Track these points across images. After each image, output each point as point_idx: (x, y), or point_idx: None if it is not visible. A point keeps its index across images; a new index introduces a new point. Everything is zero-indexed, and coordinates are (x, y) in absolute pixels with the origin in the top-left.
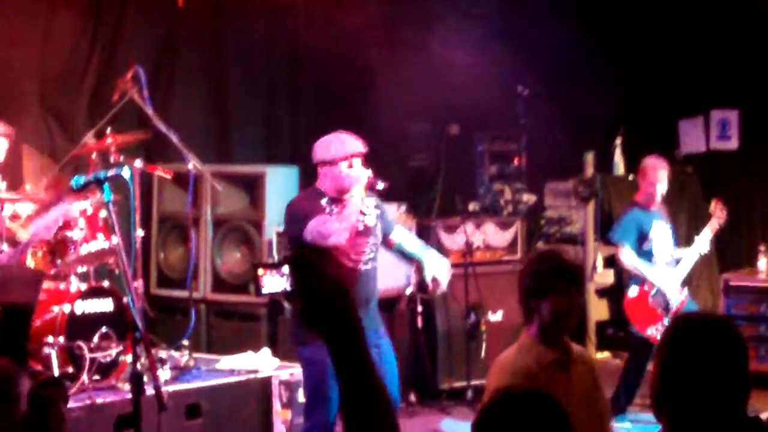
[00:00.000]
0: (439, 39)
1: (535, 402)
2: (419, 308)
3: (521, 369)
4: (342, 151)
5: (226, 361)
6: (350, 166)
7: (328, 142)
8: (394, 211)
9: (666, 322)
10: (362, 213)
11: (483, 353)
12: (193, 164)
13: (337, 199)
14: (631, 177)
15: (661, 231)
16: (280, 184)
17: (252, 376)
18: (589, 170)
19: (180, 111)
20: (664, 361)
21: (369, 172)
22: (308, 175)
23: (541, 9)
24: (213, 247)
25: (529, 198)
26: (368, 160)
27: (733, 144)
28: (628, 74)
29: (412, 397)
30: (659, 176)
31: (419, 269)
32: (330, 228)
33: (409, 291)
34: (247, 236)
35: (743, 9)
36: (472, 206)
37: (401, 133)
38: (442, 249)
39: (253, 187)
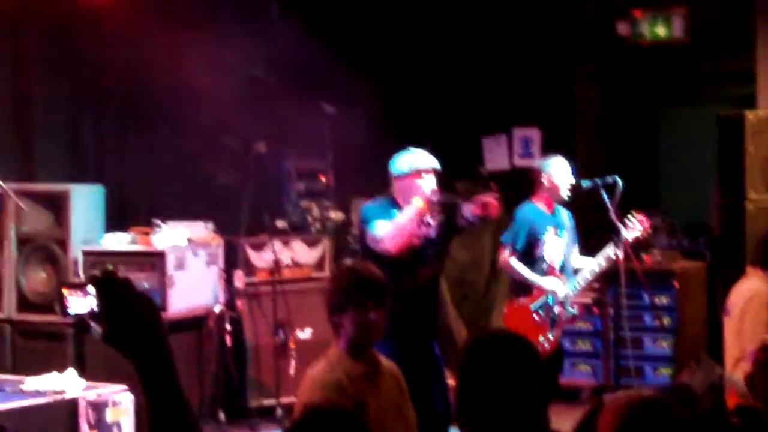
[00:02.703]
0: (243, 56)
1: (339, 419)
2: (228, 326)
3: (331, 383)
4: (411, 165)
5: (31, 382)
6: (421, 179)
7: (402, 157)
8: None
9: (551, 335)
10: (424, 223)
11: (292, 371)
12: None
13: None
14: None
15: (555, 236)
16: (85, 202)
17: (58, 397)
18: None
19: None
20: (461, 376)
21: (433, 185)
22: (113, 193)
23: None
24: (17, 266)
25: (336, 215)
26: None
27: (536, 161)
28: (432, 92)
29: (221, 416)
30: (566, 174)
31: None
32: (382, 232)
33: (217, 309)
34: (53, 255)
35: (541, 29)
36: (280, 224)
37: (207, 150)
38: (250, 267)
39: (57, 206)
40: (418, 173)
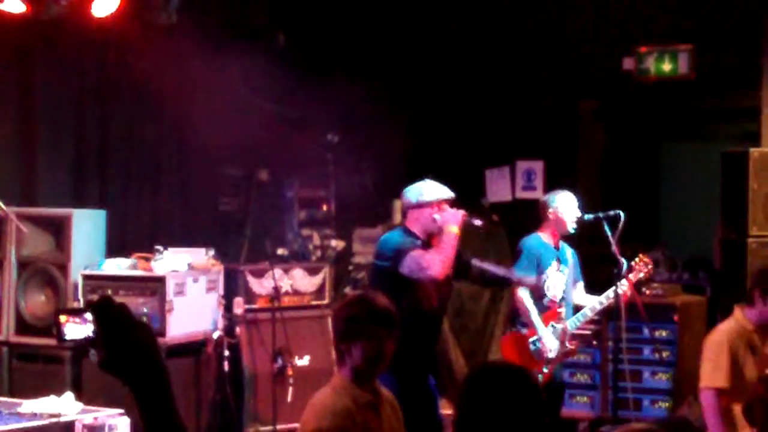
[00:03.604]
0: (249, 85)
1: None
2: (226, 352)
3: (342, 410)
4: (432, 195)
5: (27, 405)
6: (440, 209)
7: (418, 188)
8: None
9: (545, 369)
10: (457, 251)
11: (289, 398)
12: None
13: (426, 242)
14: None
15: (558, 271)
16: (86, 227)
17: (54, 420)
18: (397, 217)
19: None
20: (461, 407)
21: (462, 212)
22: (115, 219)
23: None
24: (17, 289)
25: (337, 244)
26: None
27: (538, 193)
28: (435, 123)
29: None
30: (573, 209)
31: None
32: (429, 259)
33: (216, 335)
34: (52, 279)
35: (546, 63)
36: (280, 251)
37: (210, 177)
38: (249, 294)
39: (58, 230)
40: (442, 203)
